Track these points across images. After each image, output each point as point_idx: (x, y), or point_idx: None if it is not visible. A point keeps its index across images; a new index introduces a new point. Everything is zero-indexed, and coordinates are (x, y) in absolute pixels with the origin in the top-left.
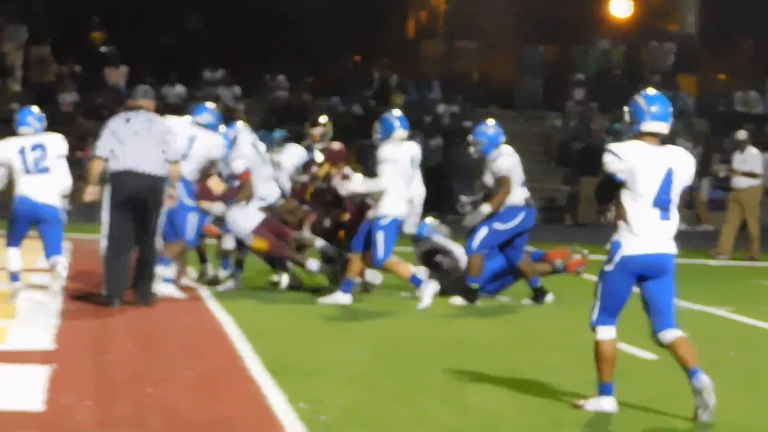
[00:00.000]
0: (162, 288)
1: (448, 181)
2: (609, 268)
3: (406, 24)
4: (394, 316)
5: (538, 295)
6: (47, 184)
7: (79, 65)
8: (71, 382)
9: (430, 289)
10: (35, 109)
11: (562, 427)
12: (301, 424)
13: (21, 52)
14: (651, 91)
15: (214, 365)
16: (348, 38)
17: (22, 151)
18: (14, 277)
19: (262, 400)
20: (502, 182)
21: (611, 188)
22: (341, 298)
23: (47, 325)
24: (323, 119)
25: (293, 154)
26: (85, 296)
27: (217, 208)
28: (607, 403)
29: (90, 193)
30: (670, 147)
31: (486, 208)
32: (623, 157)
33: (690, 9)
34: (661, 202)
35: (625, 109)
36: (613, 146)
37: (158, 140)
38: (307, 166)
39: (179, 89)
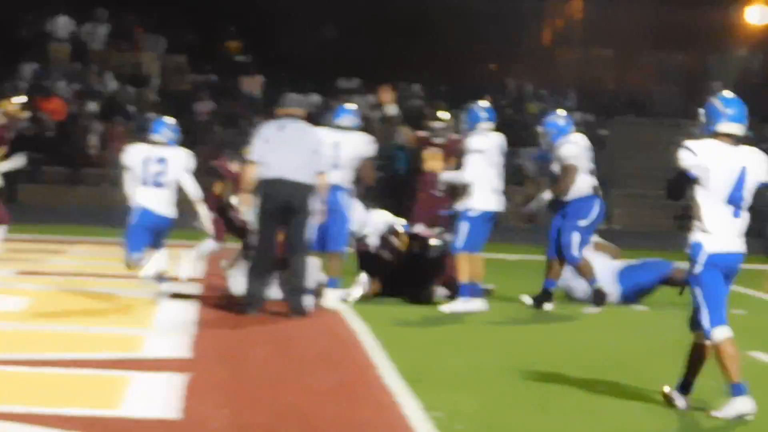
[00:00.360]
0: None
1: None
2: (698, 270)
3: (542, 32)
4: (527, 325)
5: (543, 298)
6: (163, 197)
7: (215, 74)
8: (208, 389)
9: (472, 304)
10: (171, 120)
11: None
12: None
13: (158, 61)
14: (728, 93)
15: (349, 373)
16: (484, 46)
17: (145, 162)
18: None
19: (397, 408)
20: (568, 170)
21: (684, 184)
22: (467, 305)
23: (184, 334)
24: (444, 114)
25: (381, 217)
26: (221, 305)
27: None
28: (745, 404)
29: (245, 200)
30: (743, 147)
31: (547, 195)
32: (698, 154)
33: None
34: (734, 200)
35: (701, 110)
36: (688, 143)
37: (310, 149)
38: (387, 236)
39: (315, 98)
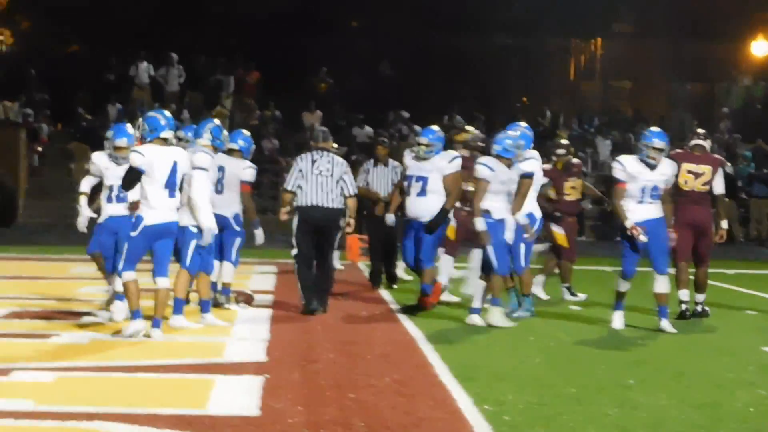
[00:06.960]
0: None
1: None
2: (134, 233)
3: (568, 67)
4: (566, 325)
5: None
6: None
7: (279, 111)
8: (282, 389)
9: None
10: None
11: (721, 421)
12: (487, 424)
13: (230, 100)
14: (166, 111)
15: (408, 372)
16: (517, 81)
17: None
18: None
19: (452, 403)
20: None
21: (136, 177)
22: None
23: (259, 340)
24: (564, 141)
25: None
26: (290, 312)
27: None
28: (140, 324)
29: (282, 213)
30: (173, 147)
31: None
32: (144, 154)
33: None
34: (170, 185)
35: (140, 121)
36: (136, 148)
37: (338, 178)
38: None
39: (367, 130)
